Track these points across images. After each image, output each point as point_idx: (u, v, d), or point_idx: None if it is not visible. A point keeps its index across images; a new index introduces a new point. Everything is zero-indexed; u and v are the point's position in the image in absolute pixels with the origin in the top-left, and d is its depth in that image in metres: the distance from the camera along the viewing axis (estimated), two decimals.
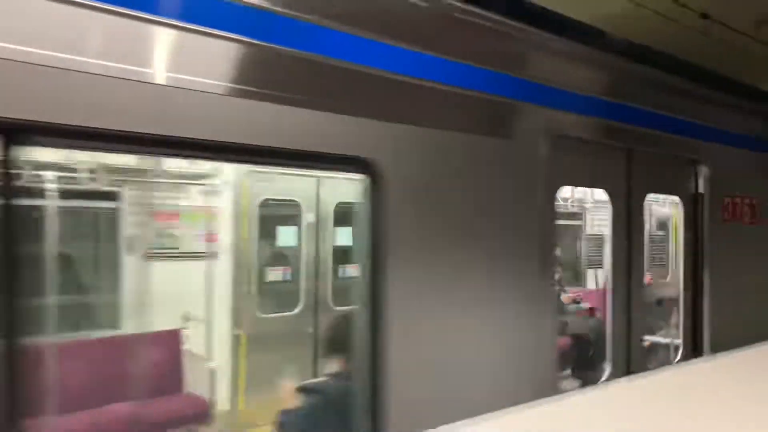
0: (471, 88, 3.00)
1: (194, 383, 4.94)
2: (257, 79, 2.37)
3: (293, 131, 2.41)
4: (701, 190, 4.58)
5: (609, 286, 3.88)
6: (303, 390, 2.73)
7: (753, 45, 6.94)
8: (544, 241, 3.25)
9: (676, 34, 6.40)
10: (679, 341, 4.49)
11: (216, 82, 2.25)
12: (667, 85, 4.46)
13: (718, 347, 4.21)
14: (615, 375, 3.73)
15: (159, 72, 2.14)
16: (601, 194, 4.54)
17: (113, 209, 5.01)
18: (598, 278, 7.60)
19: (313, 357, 5.59)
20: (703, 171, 4.53)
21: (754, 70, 8.00)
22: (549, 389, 3.01)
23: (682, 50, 6.82)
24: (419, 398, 2.59)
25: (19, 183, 2.26)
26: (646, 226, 4.82)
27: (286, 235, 5.85)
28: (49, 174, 4.41)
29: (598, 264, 7.43)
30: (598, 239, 7.34)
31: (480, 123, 3.05)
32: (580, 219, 8.17)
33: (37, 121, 1.88)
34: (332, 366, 2.84)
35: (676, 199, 4.58)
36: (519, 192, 3.18)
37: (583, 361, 5.23)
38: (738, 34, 6.43)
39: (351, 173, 2.69)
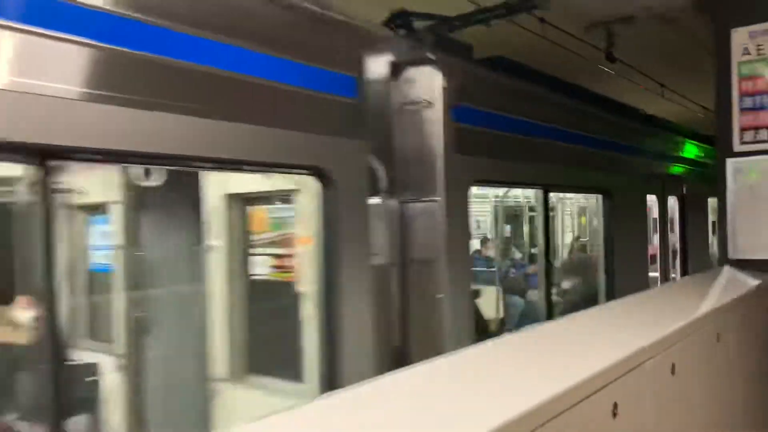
0: None
1: None
2: None
3: None
4: None
5: None
6: None
7: (584, 47, 7.23)
8: None
9: (517, 36, 6.43)
10: None
11: None
12: None
13: None
14: None
15: None
16: None
17: None
18: None
19: None
20: None
21: (585, 71, 8.37)
22: None
23: (522, 52, 6.88)
24: None
25: None
26: None
27: None
28: None
29: None
30: None
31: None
32: None
33: None
34: None
35: None
36: None
37: None
38: (570, 36, 6.61)
39: None
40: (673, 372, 1.76)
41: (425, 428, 1.06)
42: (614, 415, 1.38)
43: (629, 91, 9.90)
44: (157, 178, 3.56)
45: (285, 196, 3.55)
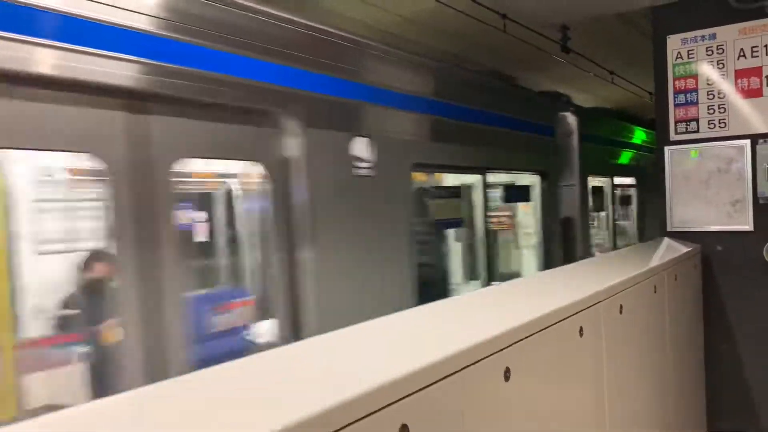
0: None
1: None
2: None
3: None
4: None
5: None
6: None
7: (540, 39, 7.91)
8: None
9: (480, 32, 7.05)
10: None
11: None
12: None
13: None
14: None
15: None
16: None
17: None
18: None
19: None
20: None
21: (540, 60, 9.09)
22: None
23: (482, 44, 7.51)
24: None
25: None
26: None
27: None
28: None
29: None
30: None
31: None
32: None
33: None
34: None
35: None
36: None
37: None
38: (531, 32, 7.25)
39: None
40: (621, 311, 2.43)
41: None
42: (581, 335, 2.03)
43: (580, 78, 10.72)
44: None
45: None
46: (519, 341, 1.65)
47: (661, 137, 4.26)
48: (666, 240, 4.15)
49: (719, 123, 4.01)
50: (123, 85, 2.66)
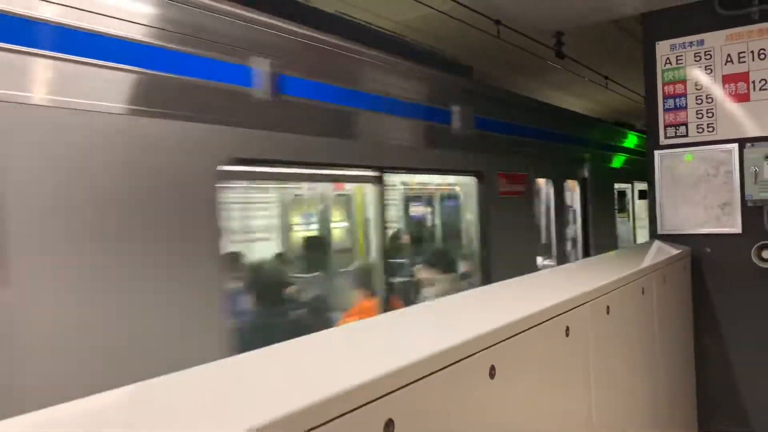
0: None
1: None
2: None
3: None
4: None
5: None
6: None
7: (534, 45, 7.99)
8: None
9: (474, 38, 7.13)
10: None
11: None
12: None
13: None
14: None
15: None
16: None
17: None
18: None
19: None
20: None
21: (534, 66, 9.17)
22: None
23: (476, 49, 7.59)
24: None
25: None
26: None
27: None
28: None
29: None
30: None
31: None
32: None
33: None
34: None
35: None
36: None
37: None
38: (526, 38, 7.33)
39: None
40: (608, 312, 2.49)
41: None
42: (567, 334, 2.09)
43: (575, 83, 10.80)
44: None
45: None
46: (504, 340, 1.70)
47: (651, 142, 4.33)
48: (656, 242, 4.21)
49: (707, 127, 4.09)
50: None
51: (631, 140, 10.34)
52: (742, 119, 3.98)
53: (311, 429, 1.06)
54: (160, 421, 1.08)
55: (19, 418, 1.04)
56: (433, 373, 1.40)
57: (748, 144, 3.94)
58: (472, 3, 6.18)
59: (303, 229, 5.59)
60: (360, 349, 1.58)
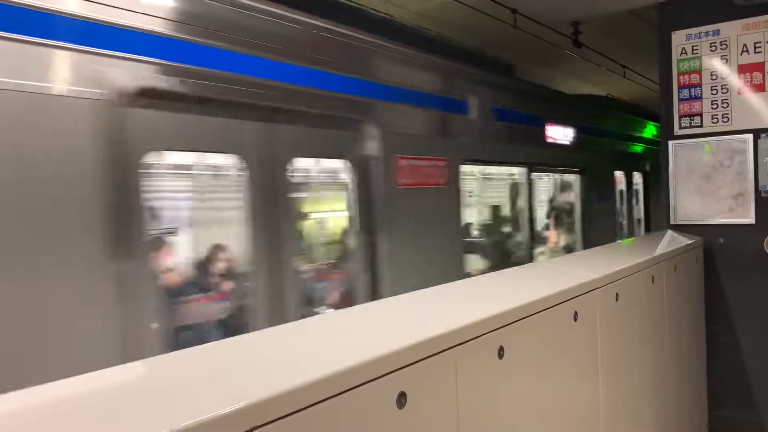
0: None
1: None
2: None
3: None
4: None
5: None
6: None
7: (552, 34, 8.00)
8: None
9: (491, 27, 7.15)
10: None
11: None
12: None
13: None
14: None
15: None
16: None
17: None
18: None
19: None
20: None
21: (552, 55, 9.15)
22: None
23: (494, 40, 7.61)
24: None
25: None
26: None
27: None
28: None
29: None
30: None
31: None
32: None
33: None
34: None
35: None
36: None
37: None
38: (542, 27, 7.34)
39: None
40: (617, 299, 2.56)
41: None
42: (575, 319, 2.17)
43: (593, 72, 10.76)
44: None
45: None
46: (513, 322, 1.78)
47: (665, 132, 4.36)
48: (669, 232, 4.25)
49: (722, 118, 4.11)
50: None
51: None
52: (758, 109, 4.00)
53: (331, 397, 1.15)
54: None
55: None
56: (444, 350, 1.48)
57: (763, 134, 3.95)
58: None
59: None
60: (375, 326, 1.67)
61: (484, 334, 1.65)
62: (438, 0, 6.80)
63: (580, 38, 8.26)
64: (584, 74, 10.74)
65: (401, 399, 1.33)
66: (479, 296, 2.15)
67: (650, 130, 9.71)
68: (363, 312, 1.80)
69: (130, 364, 1.33)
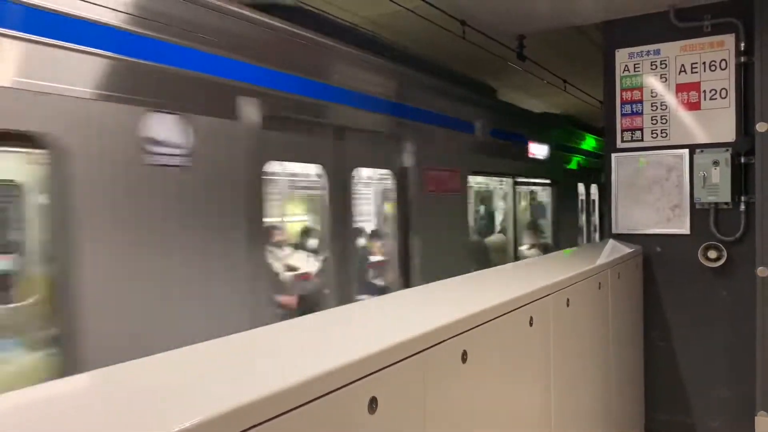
0: None
1: None
2: None
3: None
4: None
5: None
6: None
7: (497, 47, 8.18)
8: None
9: (440, 37, 7.25)
10: None
11: None
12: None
13: None
14: None
15: None
16: None
17: None
18: None
19: None
20: None
21: (495, 67, 9.37)
22: None
23: (446, 52, 7.72)
24: None
25: None
26: None
27: None
28: None
29: None
30: None
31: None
32: None
33: None
34: None
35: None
36: None
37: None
38: (487, 38, 7.50)
39: None
40: (568, 305, 2.63)
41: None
42: (531, 324, 2.22)
43: (535, 85, 11.07)
44: None
45: None
46: (475, 327, 1.81)
47: (608, 145, 4.53)
48: (611, 241, 4.41)
49: (661, 133, 4.30)
50: None
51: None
52: (693, 126, 4.21)
53: (300, 406, 1.13)
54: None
55: None
56: (412, 355, 1.49)
57: (698, 150, 4.17)
58: (439, 3, 6.30)
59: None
60: (344, 332, 1.66)
61: (449, 339, 1.66)
62: (390, 8, 6.84)
63: (524, 52, 8.48)
64: (527, 87, 11.02)
65: (372, 404, 1.33)
66: (441, 301, 2.17)
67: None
68: (333, 317, 1.79)
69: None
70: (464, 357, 1.73)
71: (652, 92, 4.35)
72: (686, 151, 4.23)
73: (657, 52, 4.31)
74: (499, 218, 8.58)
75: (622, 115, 4.44)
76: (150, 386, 1.17)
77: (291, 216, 5.43)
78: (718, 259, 4.13)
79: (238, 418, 0.99)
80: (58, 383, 1.15)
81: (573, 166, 9.48)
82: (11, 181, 2.71)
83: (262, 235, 3.57)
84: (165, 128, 2.80)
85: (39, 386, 1.16)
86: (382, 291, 4.95)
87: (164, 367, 1.29)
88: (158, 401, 1.08)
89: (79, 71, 2.48)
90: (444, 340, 1.64)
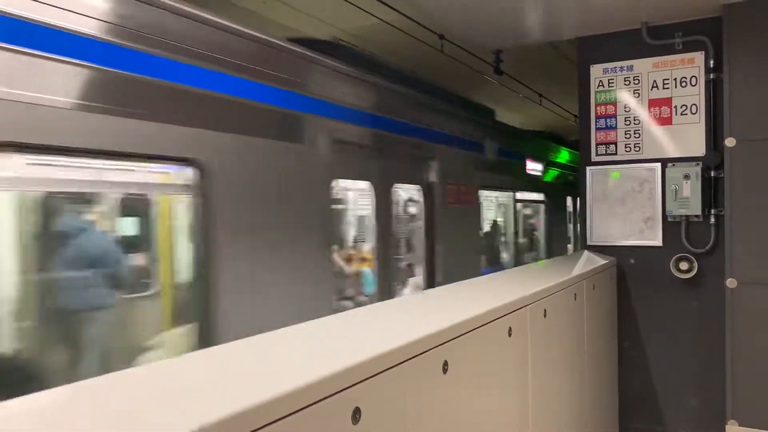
0: None
1: None
2: None
3: None
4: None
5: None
6: None
7: (475, 61, 8.28)
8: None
9: (419, 50, 7.31)
10: None
11: None
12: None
13: None
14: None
15: None
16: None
17: None
18: None
19: None
20: None
21: (473, 80, 9.47)
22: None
23: (424, 65, 7.78)
24: None
25: None
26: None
27: None
28: None
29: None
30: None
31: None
32: None
33: None
34: None
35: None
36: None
37: None
38: (465, 52, 7.58)
39: None
40: (545, 315, 2.66)
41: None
42: (510, 334, 2.24)
43: (512, 99, 11.20)
44: None
45: None
46: (456, 338, 1.82)
47: (584, 158, 4.60)
48: (586, 252, 4.47)
49: (635, 147, 4.39)
50: None
51: None
52: (665, 141, 4.31)
53: (283, 417, 1.13)
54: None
55: None
56: (394, 366, 1.49)
57: (670, 164, 4.26)
58: (417, 17, 6.36)
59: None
60: (326, 343, 1.66)
61: (431, 349, 1.67)
62: (368, 21, 6.89)
63: (501, 66, 8.59)
64: (503, 100, 11.15)
65: (356, 415, 1.33)
66: (422, 312, 2.18)
67: None
68: (316, 328, 1.79)
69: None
70: (445, 367, 1.74)
71: (625, 107, 4.44)
72: (658, 164, 4.32)
73: (630, 68, 4.40)
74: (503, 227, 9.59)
75: (597, 129, 4.53)
76: (134, 399, 1.16)
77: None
78: (689, 270, 4.21)
79: (218, 430, 0.98)
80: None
81: (562, 180, 10.45)
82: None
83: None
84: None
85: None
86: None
87: (142, 382, 1.28)
88: (137, 416, 1.07)
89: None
90: (425, 351, 1.64)
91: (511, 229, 8.99)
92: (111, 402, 1.16)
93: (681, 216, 4.20)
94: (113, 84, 2.66)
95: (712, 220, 4.14)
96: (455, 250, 5.93)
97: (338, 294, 4.85)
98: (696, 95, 4.21)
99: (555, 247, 9.84)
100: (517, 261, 8.81)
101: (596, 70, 4.53)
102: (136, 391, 1.21)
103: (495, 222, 9.17)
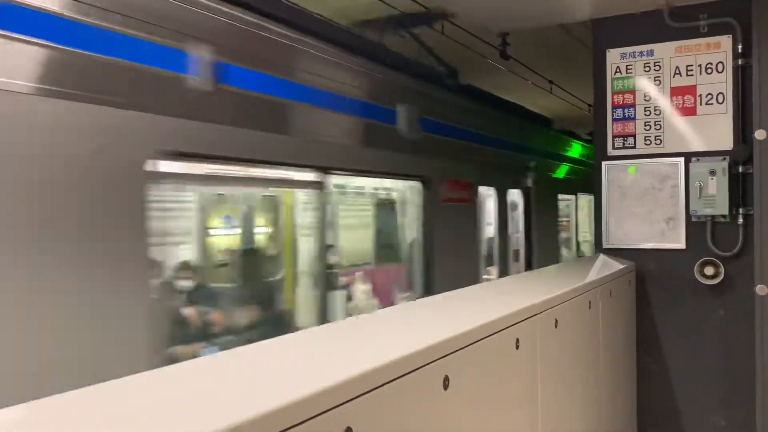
0: None
1: None
2: None
3: None
4: None
5: None
6: None
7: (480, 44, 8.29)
8: None
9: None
10: None
11: None
12: None
13: None
14: None
15: None
16: None
17: None
18: None
19: None
20: None
21: (479, 65, 9.48)
22: None
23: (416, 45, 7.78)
24: None
25: None
26: None
27: None
28: None
29: None
30: None
31: None
32: None
33: None
34: None
35: None
36: None
37: None
38: (471, 35, 7.59)
39: None
40: (556, 326, 2.67)
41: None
42: (517, 347, 2.24)
43: (519, 86, 11.22)
44: None
45: None
46: (458, 350, 1.82)
47: (599, 152, 4.61)
48: (601, 256, 4.49)
49: (655, 140, 4.40)
50: None
51: None
52: (689, 133, 4.32)
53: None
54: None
55: None
56: (388, 382, 1.49)
57: (694, 158, 4.27)
58: None
59: None
60: (314, 357, 1.66)
61: (430, 363, 1.67)
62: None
63: (507, 50, 8.60)
64: (510, 87, 11.16)
65: None
66: (421, 323, 2.19)
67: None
68: (305, 339, 1.79)
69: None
70: (446, 383, 1.74)
71: (645, 96, 4.45)
72: (681, 159, 4.33)
73: (650, 53, 4.42)
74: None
75: (614, 120, 4.54)
76: (117, 409, 1.16)
77: None
78: (715, 275, 4.22)
79: None
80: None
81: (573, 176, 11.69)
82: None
83: None
84: None
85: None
86: None
87: (123, 393, 1.28)
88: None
89: None
90: (424, 365, 1.65)
91: (573, 223, 12.01)
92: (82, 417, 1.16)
93: (706, 216, 4.21)
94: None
95: (740, 220, 4.16)
96: (545, 240, 8.57)
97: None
98: (723, 83, 4.23)
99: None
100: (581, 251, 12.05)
101: (613, 56, 4.54)
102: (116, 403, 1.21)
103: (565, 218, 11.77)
